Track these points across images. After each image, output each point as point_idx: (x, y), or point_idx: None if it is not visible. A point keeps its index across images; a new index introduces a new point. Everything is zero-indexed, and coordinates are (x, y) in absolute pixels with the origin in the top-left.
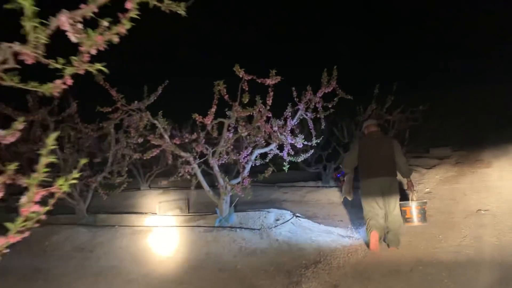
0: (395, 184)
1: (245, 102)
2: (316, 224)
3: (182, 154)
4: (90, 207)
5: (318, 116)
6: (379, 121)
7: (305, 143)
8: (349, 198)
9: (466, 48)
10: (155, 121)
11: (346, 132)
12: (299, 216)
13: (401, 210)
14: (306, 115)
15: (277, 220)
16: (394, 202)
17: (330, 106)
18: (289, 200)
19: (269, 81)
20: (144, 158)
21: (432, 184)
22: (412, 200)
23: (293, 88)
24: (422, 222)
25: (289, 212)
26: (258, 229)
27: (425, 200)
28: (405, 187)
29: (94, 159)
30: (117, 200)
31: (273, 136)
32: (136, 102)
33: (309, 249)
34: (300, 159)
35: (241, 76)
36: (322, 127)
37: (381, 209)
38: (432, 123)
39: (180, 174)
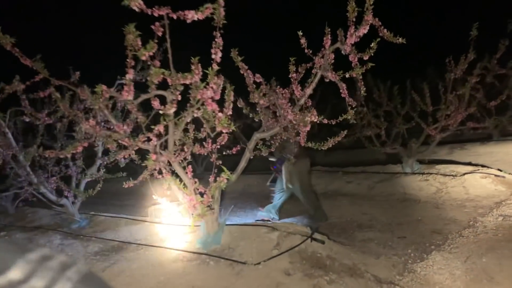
0: None
1: (142, 57)
2: (347, 250)
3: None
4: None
5: (349, 76)
6: (488, 77)
7: (324, 120)
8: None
9: None
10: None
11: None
12: (315, 239)
13: None
14: (328, 75)
15: (277, 245)
16: None
17: (366, 58)
18: (350, 194)
19: (192, 15)
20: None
21: None
22: None
23: (300, 33)
24: None
25: (306, 228)
26: (243, 263)
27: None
28: None
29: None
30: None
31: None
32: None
33: None
34: (326, 146)
35: (136, 9)
36: (362, 92)
37: None
38: None
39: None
